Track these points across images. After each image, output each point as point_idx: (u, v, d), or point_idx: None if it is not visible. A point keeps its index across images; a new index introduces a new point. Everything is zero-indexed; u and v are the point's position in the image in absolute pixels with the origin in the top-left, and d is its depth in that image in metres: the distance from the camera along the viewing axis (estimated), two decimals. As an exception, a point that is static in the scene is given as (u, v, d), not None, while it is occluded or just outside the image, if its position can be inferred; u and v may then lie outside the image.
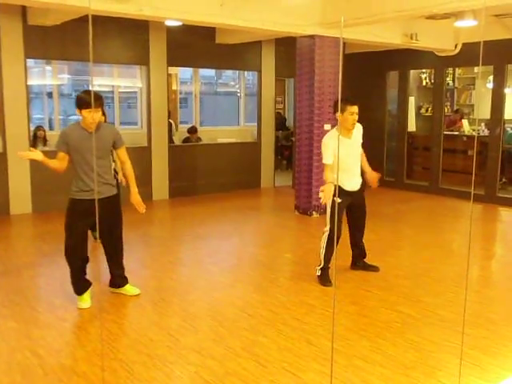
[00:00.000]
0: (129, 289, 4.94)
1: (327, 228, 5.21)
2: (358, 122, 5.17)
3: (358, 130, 5.27)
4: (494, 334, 4.08)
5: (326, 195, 4.82)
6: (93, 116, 4.34)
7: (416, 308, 4.60)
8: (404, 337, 4.01)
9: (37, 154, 4.46)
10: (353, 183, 5.25)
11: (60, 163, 4.50)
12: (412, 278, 5.46)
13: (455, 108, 11.98)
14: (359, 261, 5.64)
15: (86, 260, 4.68)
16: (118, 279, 4.93)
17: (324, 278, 5.20)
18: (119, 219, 4.77)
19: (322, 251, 5.20)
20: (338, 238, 5.09)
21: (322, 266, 5.22)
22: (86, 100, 4.34)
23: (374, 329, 4.15)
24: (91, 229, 5.23)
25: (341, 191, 5.02)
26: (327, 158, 5.08)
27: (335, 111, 5.13)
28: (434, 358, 3.67)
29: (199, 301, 4.80)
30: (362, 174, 5.43)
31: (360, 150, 5.35)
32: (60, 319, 4.35)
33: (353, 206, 5.34)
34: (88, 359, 3.65)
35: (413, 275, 5.54)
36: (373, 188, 5.53)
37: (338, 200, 4.94)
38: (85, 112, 4.35)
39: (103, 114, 5.59)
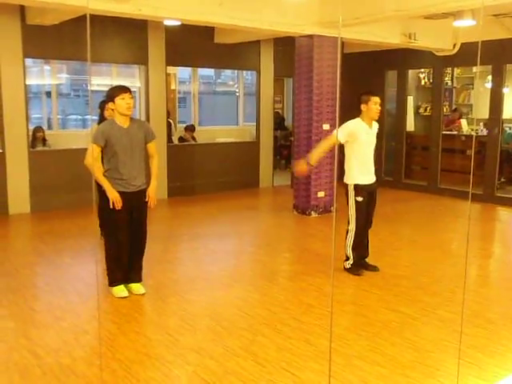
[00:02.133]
0: (137, 287, 4.94)
1: (351, 227, 5.40)
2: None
3: (375, 126, 5.53)
4: (492, 334, 4.09)
5: (298, 169, 5.18)
6: (128, 102, 4.58)
7: (414, 308, 4.60)
8: (402, 336, 4.01)
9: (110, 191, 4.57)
10: (370, 176, 5.44)
11: (96, 159, 4.58)
12: (410, 277, 5.46)
13: (454, 107, 11.98)
14: (361, 259, 5.65)
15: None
16: (134, 274, 4.95)
17: (354, 269, 5.47)
18: (147, 210, 4.91)
19: (349, 249, 5.44)
20: (364, 230, 5.49)
21: (352, 261, 5.48)
22: (117, 90, 4.63)
23: (372, 328, 4.16)
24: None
25: (361, 188, 5.30)
26: (340, 134, 5.24)
27: (360, 104, 5.35)
28: (433, 358, 3.68)
29: (198, 300, 4.81)
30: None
31: (375, 143, 5.55)
32: (58, 319, 4.34)
33: (369, 201, 5.47)
34: (86, 359, 3.65)
35: (411, 275, 5.55)
36: None
37: (360, 199, 5.28)
38: (118, 99, 4.56)
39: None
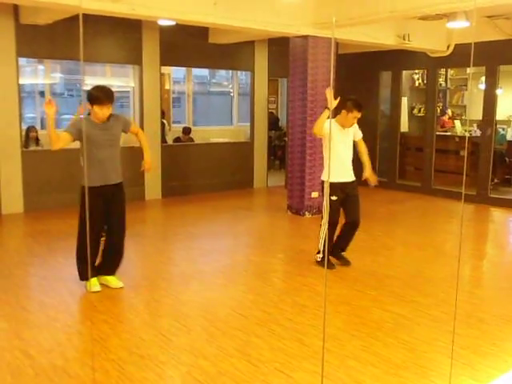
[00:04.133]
0: (113, 280, 5.01)
1: (324, 221, 5.55)
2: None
3: (348, 130, 5.59)
4: (485, 334, 4.10)
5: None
6: (104, 113, 4.63)
7: (408, 308, 4.61)
8: (396, 337, 4.02)
9: (51, 111, 4.46)
10: (346, 174, 5.54)
11: (59, 140, 4.58)
12: (404, 278, 5.47)
13: (446, 109, 12.02)
14: (336, 251, 5.75)
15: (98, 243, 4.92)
16: (109, 266, 5.01)
17: (328, 262, 5.48)
18: (124, 205, 4.99)
19: (322, 242, 5.56)
20: (335, 227, 5.57)
21: (322, 255, 5.60)
22: (97, 96, 4.60)
23: (365, 329, 4.16)
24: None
25: (335, 186, 5.39)
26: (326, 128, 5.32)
27: (343, 108, 5.43)
28: (426, 358, 3.69)
29: (191, 301, 4.80)
30: (359, 169, 5.73)
31: (351, 144, 5.65)
32: (51, 319, 4.33)
33: (347, 199, 5.54)
34: (79, 359, 3.64)
35: (405, 275, 5.56)
36: (371, 184, 5.84)
37: (334, 198, 5.38)
38: (96, 108, 4.61)
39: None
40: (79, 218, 4.82)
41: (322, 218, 5.68)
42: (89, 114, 4.83)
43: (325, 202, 5.55)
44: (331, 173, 5.50)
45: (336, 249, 5.75)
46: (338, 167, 5.46)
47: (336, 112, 5.54)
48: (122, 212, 4.98)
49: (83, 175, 4.80)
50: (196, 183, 10.16)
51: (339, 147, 5.48)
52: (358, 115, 5.45)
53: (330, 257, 5.64)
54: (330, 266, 5.63)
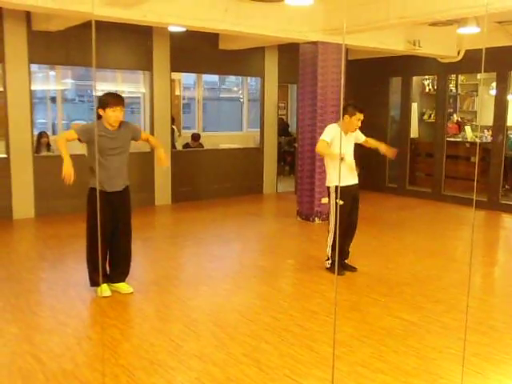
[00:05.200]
0: (123, 287, 5.05)
1: (331, 226, 5.55)
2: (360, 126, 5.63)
3: (351, 135, 5.65)
4: (496, 342, 4.07)
5: (333, 156, 5.29)
6: (117, 115, 4.69)
7: (418, 315, 4.59)
8: (406, 344, 4.00)
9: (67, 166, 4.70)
10: (353, 176, 5.58)
11: (65, 139, 4.75)
12: (414, 284, 5.44)
13: (454, 115, 11.96)
14: (340, 260, 5.75)
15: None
16: (119, 274, 5.06)
17: (337, 269, 5.56)
18: (130, 210, 5.05)
19: (329, 249, 5.61)
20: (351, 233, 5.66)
21: (331, 260, 5.66)
22: (110, 100, 4.69)
23: (375, 335, 4.14)
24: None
25: (344, 190, 5.42)
26: (326, 136, 5.43)
27: (345, 113, 5.49)
28: (436, 366, 3.66)
29: (201, 306, 4.80)
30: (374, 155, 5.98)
31: (353, 147, 5.70)
32: (62, 324, 4.34)
33: (351, 202, 5.57)
34: (89, 364, 3.65)
35: (415, 282, 5.53)
36: (390, 156, 5.99)
37: (341, 202, 5.33)
38: (109, 111, 4.66)
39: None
40: (87, 223, 4.87)
41: (328, 223, 5.67)
42: (99, 118, 4.86)
43: (332, 208, 5.54)
44: (335, 178, 5.47)
45: (338, 258, 5.72)
46: (345, 171, 5.47)
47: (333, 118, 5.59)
48: (128, 216, 5.01)
49: (90, 178, 4.84)
50: (205, 189, 10.18)
51: (345, 152, 5.50)
52: (362, 117, 5.48)
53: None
54: (341, 272, 5.63)
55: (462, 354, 3.56)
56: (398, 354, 3.82)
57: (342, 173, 5.47)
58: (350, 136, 5.62)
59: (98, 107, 4.76)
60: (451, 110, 11.81)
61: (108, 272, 5.07)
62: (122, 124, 4.85)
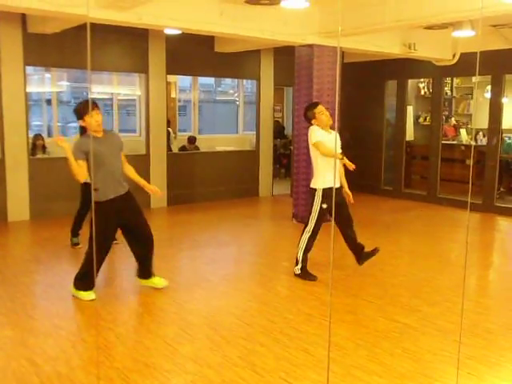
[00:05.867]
0: (159, 281, 5.18)
1: (309, 228, 5.50)
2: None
3: (334, 134, 5.55)
4: (491, 344, 4.08)
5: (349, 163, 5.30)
6: (97, 118, 4.68)
7: (413, 317, 4.59)
8: (401, 346, 4.00)
9: (66, 144, 4.64)
10: (336, 179, 5.41)
11: (81, 169, 4.69)
12: (409, 287, 5.45)
13: (452, 118, 12.01)
14: (362, 255, 5.75)
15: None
16: (150, 269, 5.18)
17: (306, 274, 5.57)
18: (140, 208, 5.08)
19: (301, 252, 5.56)
20: (316, 236, 5.58)
21: (301, 265, 5.58)
22: (84, 107, 4.68)
23: (371, 338, 4.15)
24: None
25: (328, 193, 5.36)
26: (317, 137, 5.38)
27: (310, 119, 5.50)
28: (432, 368, 3.67)
29: (196, 309, 4.80)
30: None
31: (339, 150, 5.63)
32: (56, 327, 4.33)
33: (337, 206, 5.49)
34: (84, 367, 3.64)
35: (410, 285, 5.54)
36: (350, 202, 5.73)
37: (325, 206, 5.39)
38: (88, 117, 4.64)
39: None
40: (94, 234, 4.77)
41: (305, 225, 5.57)
42: (82, 134, 4.92)
43: (314, 210, 5.46)
44: (326, 179, 5.39)
45: (361, 254, 5.74)
46: (329, 172, 5.37)
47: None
48: (142, 215, 5.06)
49: (96, 190, 4.80)
50: (201, 191, 10.17)
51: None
52: (323, 109, 5.47)
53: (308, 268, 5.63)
54: (311, 277, 5.55)
55: (457, 357, 3.56)
56: (394, 357, 3.82)
57: (329, 175, 5.35)
58: (332, 135, 5.49)
59: (78, 119, 4.76)
60: (446, 113, 11.86)
61: (138, 270, 5.18)
62: (106, 132, 4.89)
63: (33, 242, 7.49)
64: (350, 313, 4.70)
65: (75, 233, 6.79)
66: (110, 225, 4.79)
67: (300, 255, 5.58)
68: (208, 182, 10.25)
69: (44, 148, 9.17)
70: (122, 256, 6.75)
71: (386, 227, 8.30)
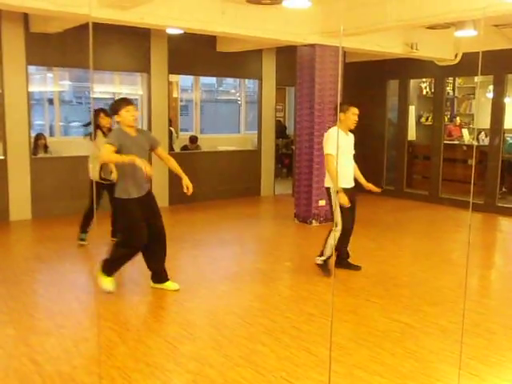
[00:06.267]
0: (170, 284, 5.18)
1: (339, 227, 5.50)
2: (354, 129, 5.66)
3: (351, 136, 5.73)
4: (493, 344, 4.07)
5: (344, 200, 5.31)
6: (132, 114, 4.79)
7: (415, 317, 4.59)
8: (403, 346, 4.00)
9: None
10: (350, 179, 5.62)
11: (110, 153, 4.70)
12: (411, 287, 5.45)
13: (458, 117, 11.99)
14: (343, 260, 5.84)
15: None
16: (164, 273, 5.19)
17: (325, 268, 5.63)
18: (159, 210, 5.19)
19: (329, 246, 5.54)
20: (350, 235, 5.65)
21: (326, 257, 5.60)
22: (122, 102, 4.86)
23: (372, 338, 4.14)
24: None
25: (345, 192, 5.41)
26: (331, 148, 5.44)
27: (337, 112, 5.63)
28: (433, 368, 3.66)
29: (198, 309, 4.80)
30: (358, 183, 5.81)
31: (353, 151, 5.75)
32: (58, 326, 4.34)
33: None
34: (86, 367, 3.65)
35: (412, 284, 5.54)
36: (374, 192, 5.78)
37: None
38: (124, 112, 4.76)
39: (110, 117, 6.45)
40: (124, 228, 4.95)
41: (335, 224, 5.63)
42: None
43: (336, 208, 5.49)
44: (341, 179, 5.48)
45: (341, 259, 5.80)
46: (345, 174, 5.54)
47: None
48: (161, 217, 5.14)
49: (119, 188, 4.86)
50: (203, 191, 10.16)
51: (345, 155, 5.55)
52: (356, 111, 5.55)
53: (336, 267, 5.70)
54: (327, 272, 5.63)
55: (458, 357, 3.56)
56: (395, 357, 3.82)
57: (343, 175, 5.50)
58: (350, 138, 5.66)
59: (112, 114, 4.89)
60: (451, 113, 11.85)
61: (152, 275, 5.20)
62: (138, 130, 4.97)
63: (35, 241, 7.50)
64: (352, 312, 4.70)
65: (84, 229, 6.81)
66: (135, 220, 4.85)
67: (326, 250, 5.59)
68: (210, 182, 10.25)
69: (46, 147, 9.20)
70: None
71: (388, 227, 8.30)
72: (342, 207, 5.39)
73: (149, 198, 5.02)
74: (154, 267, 5.16)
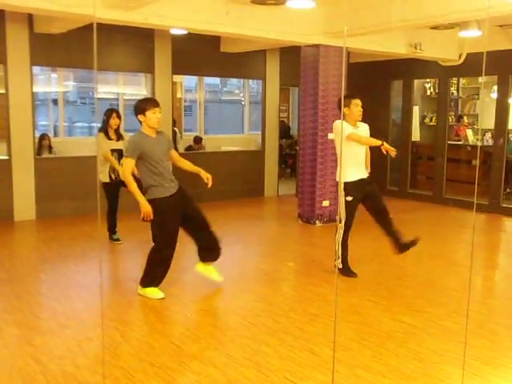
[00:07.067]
0: (215, 272, 5.29)
1: (342, 224, 5.51)
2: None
3: (365, 127, 5.64)
4: (497, 345, 4.06)
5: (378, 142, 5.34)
6: (158, 116, 4.82)
7: (419, 318, 4.58)
8: (406, 347, 3.99)
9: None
10: (361, 171, 5.56)
11: (130, 173, 4.77)
12: (415, 287, 5.44)
13: (465, 117, 11.96)
14: (401, 244, 5.70)
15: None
16: (216, 251, 5.29)
17: (348, 270, 5.60)
18: (194, 200, 5.34)
19: (339, 247, 5.53)
20: (349, 231, 5.60)
21: (341, 257, 5.57)
22: (149, 103, 4.87)
23: (376, 339, 4.14)
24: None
25: (353, 185, 5.41)
26: (347, 130, 5.37)
27: (341, 107, 5.59)
28: (437, 369, 3.66)
29: (201, 309, 4.80)
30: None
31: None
32: (62, 326, 4.35)
33: (368, 198, 5.57)
34: (90, 366, 3.65)
35: (416, 285, 5.53)
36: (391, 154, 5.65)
37: (349, 198, 5.40)
38: (149, 113, 4.77)
39: (119, 118, 6.64)
40: (158, 228, 4.90)
41: (340, 221, 5.62)
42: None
43: (340, 203, 5.49)
44: (349, 173, 5.43)
45: (397, 242, 5.69)
46: (354, 165, 5.47)
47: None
48: (197, 204, 5.28)
49: (148, 190, 4.89)
50: (207, 191, 10.02)
51: (356, 149, 5.47)
52: (359, 102, 5.46)
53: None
54: (351, 273, 5.60)
55: (462, 358, 3.55)
56: (399, 358, 3.82)
57: (353, 168, 5.44)
58: (359, 129, 5.54)
59: (137, 114, 4.84)
60: (452, 113, 11.81)
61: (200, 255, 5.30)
62: (157, 132, 4.97)
63: (39, 241, 7.52)
64: (355, 313, 4.70)
65: (113, 230, 6.93)
66: (168, 220, 4.87)
67: (339, 250, 5.57)
68: (213, 182, 10.20)
69: (50, 148, 9.22)
70: (125, 256, 6.78)
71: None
72: (347, 203, 5.40)
73: (181, 192, 5.12)
74: (204, 244, 5.24)
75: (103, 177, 6.65)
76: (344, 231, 5.54)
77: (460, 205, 9.58)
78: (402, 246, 5.67)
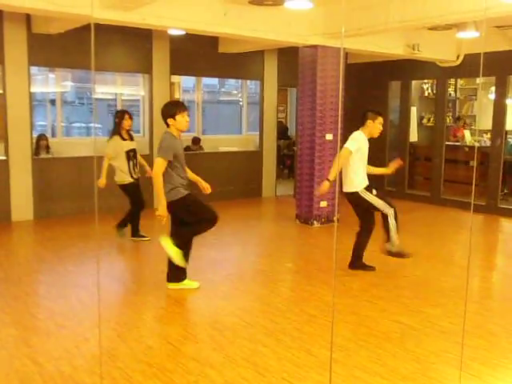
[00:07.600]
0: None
1: (390, 211, 5.62)
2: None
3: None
4: (494, 346, 4.07)
5: (322, 190, 5.77)
6: (187, 119, 4.96)
7: (416, 319, 4.59)
8: (404, 347, 4.00)
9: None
10: (366, 180, 5.79)
11: (161, 174, 4.92)
12: (412, 288, 5.45)
13: (461, 118, 11.98)
14: (358, 263, 5.92)
15: None
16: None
17: (402, 251, 5.80)
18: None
19: (393, 228, 5.66)
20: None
21: (396, 241, 5.69)
22: (178, 106, 4.99)
23: (373, 339, 4.14)
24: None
25: (365, 188, 5.69)
26: (352, 145, 5.63)
27: (367, 119, 5.75)
28: (434, 370, 3.66)
29: (199, 309, 4.80)
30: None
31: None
32: (59, 326, 4.34)
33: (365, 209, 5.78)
34: (87, 367, 3.65)
35: (413, 286, 5.53)
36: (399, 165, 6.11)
37: (374, 191, 5.70)
38: (179, 117, 4.90)
39: (131, 119, 6.73)
40: (198, 211, 5.33)
41: (382, 214, 5.68)
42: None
43: (373, 202, 5.65)
44: (362, 181, 5.68)
45: (358, 260, 5.88)
46: (363, 176, 5.73)
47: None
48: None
49: (173, 189, 5.06)
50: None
51: (366, 159, 5.77)
52: (382, 120, 5.81)
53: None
54: (406, 253, 5.80)
55: (459, 358, 3.56)
56: (396, 358, 3.82)
57: (363, 176, 5.69)
58: (367, 142, 5.82)
59: (167, 118, 4.93)
60: (450, 114, 11.83)
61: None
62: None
63: (36, 241, 7.51)
64: (353, 314, 4.70)
65: (136, 231, 7.03)
66: (197, 201, 5.27)
67: (392, 233, 5.65)
68: (211, 183, 10.09)
69: (48, 148, 9.20)
70: (126, 255, 6.78)
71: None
72: (375, 196, 5.62)
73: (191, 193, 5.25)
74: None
75: (126, 177, 6.68)
76: (395, 217, 5.66)
77: (457, 205, 9.60)
78: (358, 265, 5.91)
